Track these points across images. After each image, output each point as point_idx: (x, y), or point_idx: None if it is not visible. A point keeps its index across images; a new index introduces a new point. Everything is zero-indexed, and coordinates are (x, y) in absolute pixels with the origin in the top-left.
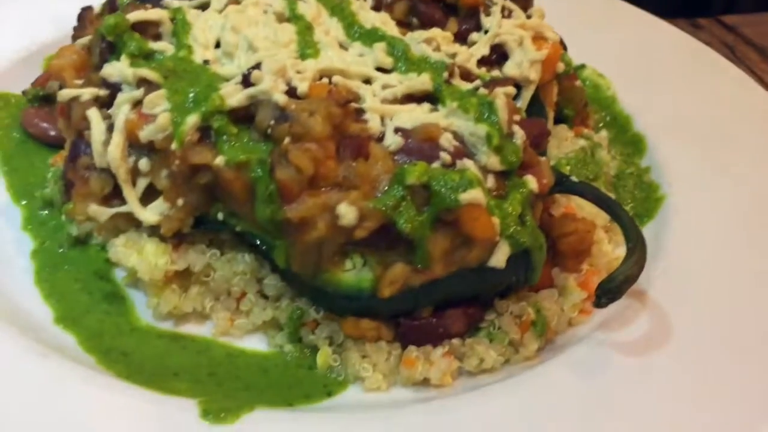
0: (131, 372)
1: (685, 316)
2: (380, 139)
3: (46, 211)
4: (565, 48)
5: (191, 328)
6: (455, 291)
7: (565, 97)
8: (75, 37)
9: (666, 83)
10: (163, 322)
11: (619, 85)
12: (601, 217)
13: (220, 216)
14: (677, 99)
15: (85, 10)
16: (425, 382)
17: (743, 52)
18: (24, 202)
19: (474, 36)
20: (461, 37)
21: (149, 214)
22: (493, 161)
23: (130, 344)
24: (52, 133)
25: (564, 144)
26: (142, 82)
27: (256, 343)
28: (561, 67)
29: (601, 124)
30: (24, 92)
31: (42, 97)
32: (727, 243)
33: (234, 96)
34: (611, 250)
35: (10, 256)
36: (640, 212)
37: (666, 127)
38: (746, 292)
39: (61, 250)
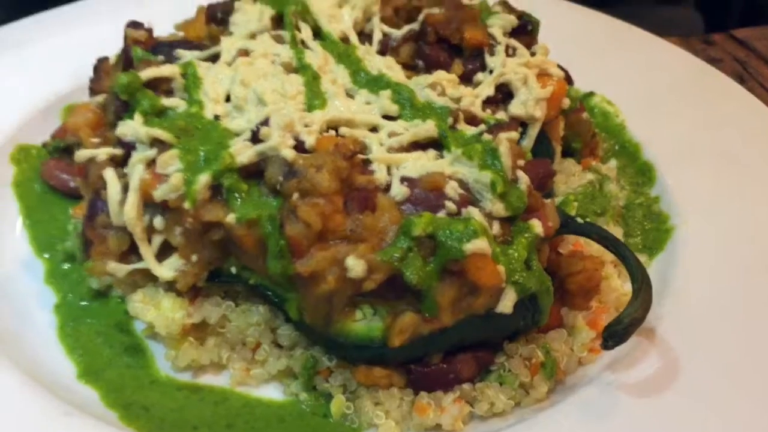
0: (153, 427)
1: (694, 354)
2: (387, 188)
3: (68, 264)
4: (570, 83)
5: (209, 378)
6: (464, 337)
7: (572, 130)
8: (92, 88)
9: (674, 109)
10: (181, 374)
11: (628, 113)
12: (609, 252)
13: (234, 270)
14: (685, 126)
15: (101, 62)
16: (437, 428)
17: (756, 68)
18: (46, 255)
19: (479, 76)
20: (466, 78)
21: (165, 270)
22: (498, 208)
23: (150, 398)
24: (73, 184)
25: (572, 179)
26: (155, 142)
27: (272, 392)
28: (566, 102)
29: (610, 153)
30: (44, 144)
31: (62, 149)
32: (738, 276)
33: (244, 153)
34: (620, 285)
35: (33, 310)
36: (649, 244)
37: (675, 155)
38: (757, 327)
39: (83, 303)
